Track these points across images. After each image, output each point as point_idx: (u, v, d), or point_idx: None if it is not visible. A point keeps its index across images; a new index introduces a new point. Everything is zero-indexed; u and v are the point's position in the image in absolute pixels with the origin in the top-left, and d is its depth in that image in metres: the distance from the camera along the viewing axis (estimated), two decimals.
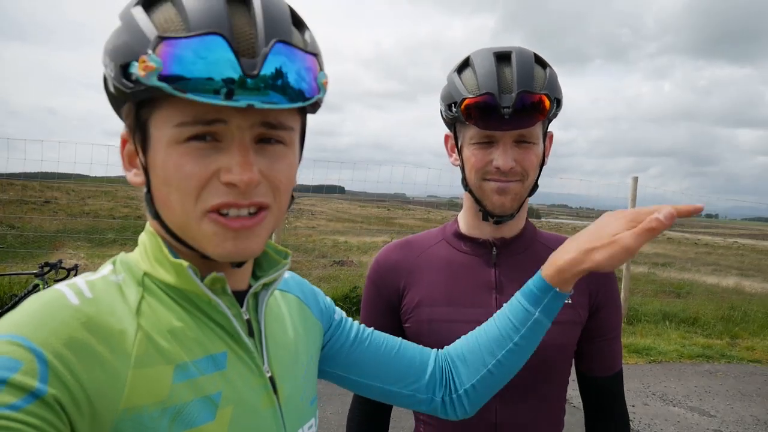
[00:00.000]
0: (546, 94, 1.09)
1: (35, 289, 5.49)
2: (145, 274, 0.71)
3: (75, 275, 5.60)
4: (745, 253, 26.23)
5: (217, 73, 0.60)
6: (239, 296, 0.76)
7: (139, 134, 0.68)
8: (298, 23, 0.71)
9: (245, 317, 0.77)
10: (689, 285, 11.22)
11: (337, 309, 1.04)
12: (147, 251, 0.72)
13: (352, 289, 7.11)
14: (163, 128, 0.65)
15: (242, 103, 0.61)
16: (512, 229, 1.25)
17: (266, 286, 0.80)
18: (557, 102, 1.14)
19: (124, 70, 0.63)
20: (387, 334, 1.03)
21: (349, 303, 6.84)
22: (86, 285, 0.66)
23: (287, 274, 0.98)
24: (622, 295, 7.20)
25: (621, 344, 1.29)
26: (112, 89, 0.67)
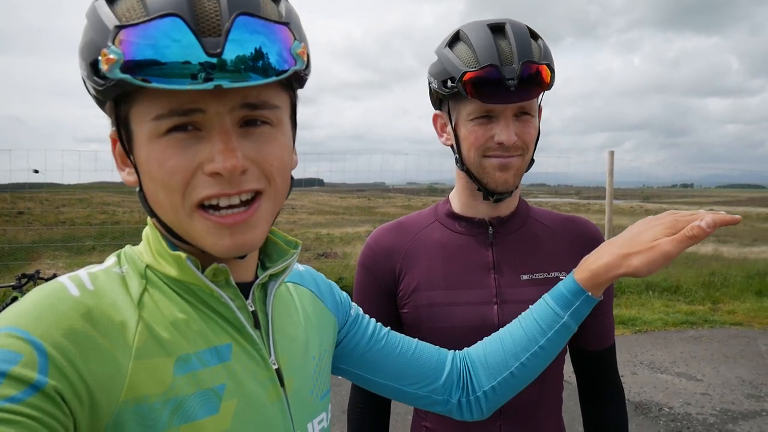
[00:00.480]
0: (546, 64, 1.07)
1: (14, 301, 5.39)
2: (148, 266, 0.70)
3: None
4: None
5: (180, 56, 0.57)
6: (246, 287, 0.75)
7: (124, 131, 0.66)
8: None
9: (251, 309, 0.75)
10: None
11: (354, 305, 1.01)
12: (150, 244, 0.71)
13: (337, 280, 7.07)
14: (142, 123, 0.63)
15: (209, 85, 0.57)
16: (508, 206, 1.23)
17: (274, 276, 0.78)
18: (553, 72, 1.11)
19: (93, 67, 0.61)
20: (403, 335, 1.01)
21: None
22: (88, 277, 0.65)
23: (302, 267, 0.96)
24: None
25: (613, 318, 1.29)
26: (90, 90, 0.65)
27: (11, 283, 6.27)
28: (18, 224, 12.49)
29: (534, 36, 1.11)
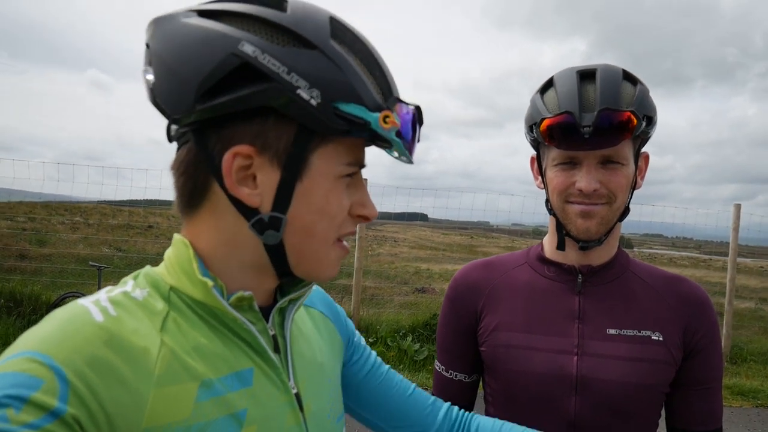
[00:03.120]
0: (632, 111, 1.02)
1: None
2: (171, 288, 0.69)
3: None
4: None
5: None
6: (264, 311, 0.76)
7: (290, 160, 0.67)
8: None
9: (271, 333, 0.76)
10: None
11: (357, 333, 1.01)
12: (174, 265, 0.71)
13: (432, 317, 7.05)
14: (331, 162, 0.69)
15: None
16: (601, 256, 1.18)
17: (292, 301, 0.79)
18: (648, 120, 1.06)
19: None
20: (402, 377, 1.00)
21: (429, 330, 6.78)
22: (110, 301, 0.65)
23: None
24: (723, 332, 6.67)
25: (722, 396, 1.16)
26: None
27: None
28: (147, 237, 13.71)
29: (632, 81, 1.08)
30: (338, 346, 0.93)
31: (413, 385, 1.00)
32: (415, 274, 13.94)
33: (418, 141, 0.73)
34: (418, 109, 0.71)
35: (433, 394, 1.09)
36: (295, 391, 0.76)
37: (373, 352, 1.01)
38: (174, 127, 0.70)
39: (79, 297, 5.60)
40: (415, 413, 0.96)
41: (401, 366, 6.14)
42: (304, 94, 0.63)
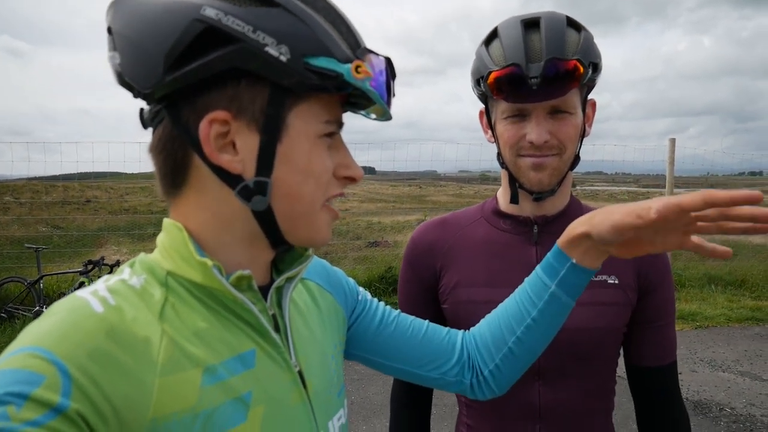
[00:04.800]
0: (578, 59, 1.00)
1: (81, 286, 5.70)
2: (168, 273, 0.69)
3: None
4: None
5: None
6: (263, 291, 0.75)
7: (267, 121, 0.66)
8: None
9: (270, 312, 0.75)
10: (735, 246, 10.86)
11: (361, 290, 1.01)
12: (168, 249, 0.70)
13: (387, 270, 7.12)
14: (309, 121, 0.68)
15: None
16: (555, 205, 1.18)
17: (289, 279, 0.79)
18: (593, 66, 1.05)
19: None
20: (413, 317, 1.01)
21: (385, 283, 6.86)
22: (108, 291, 0.64)
23: None
24: None
25: (675, 332, 1.19)
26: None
27: (79, 269, 6.61)
28: (86, 212, 13.16)
29: (577, 27, 1.06)
30: (337, 317, 0.93)
31: (426, 322, 1.00)
32: (367, 228, 14.01)
33: (394, 96, 0.73)
34: (388, 60, 0.71)
35: None
36: (297, 369, 0.76)
37: (381, 303, 1.01)
38: (146, 108, 0.69)
39: (20, 282, 5.32)
40: (432, 350, 0.97)
41: None
42: (272, 51, 0.62)
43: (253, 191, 0.67)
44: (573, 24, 1.06)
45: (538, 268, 0.92)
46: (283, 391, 0.72)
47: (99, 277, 5.67)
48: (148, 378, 0.60)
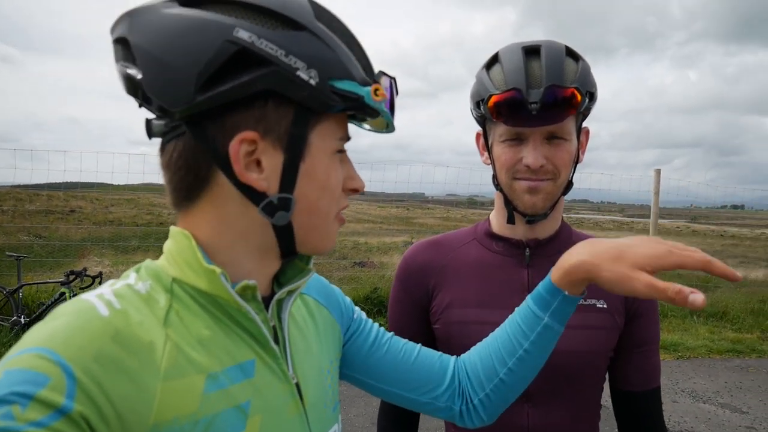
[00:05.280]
0: (576, 88, 1.04)
1: (62, 297, 5.60)
2: (174, 279, 0.69)
3: (100, 283, 5.73)
4: None
5: None
6: (263, 302, 0.76)
7: (291, 141, 0.68)
8: None
9: (271, 323, 0.76)
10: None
11: (357, 309, 1.02)
12: (175, 256, 0.71)
13: (372, 290, 7.11)
14: (327, 138, 0.71)
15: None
16: (546, 229, 1.21)
17: (290, 292, 0.80)
18: (590, 96, 1.08)
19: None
20: (406, 340, 1.01)
21: (370, 304, 6.84)
22: (114, 295, 0.65)
23: None
24: None
25: (659, 358, 1.22)
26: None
27: (60, 279, 6.49)
28: (69, 222, 13.01)
29: (575, 57, 1.09)
30: (334, 333, 0.94)
31: (418, 346, 1.00)
32: (353, 248, 13.99)
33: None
34: (394, 80, 0.76)
35: None
36: (295, 381, 0.77)
37: (375, 325, 1.02)
38: (159, 122, 0.69)
39: (1, 291, 5.15)
40: (423, 375, 0.97)
41: None
42: (303, 74, 0.65)
43: (277, 207, 0.69)
44: (571, 53, 1.10)
45: (528, 300, 0.93)
46: (280, 402, 0.73)
47: (80, 287, 5.61)
48: (152, 382, 0.60)
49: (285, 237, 0.73)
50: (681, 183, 8.77)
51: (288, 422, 0.74)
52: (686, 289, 0.72)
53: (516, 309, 0.95)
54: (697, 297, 0.71)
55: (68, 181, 7.55)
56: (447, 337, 1.19)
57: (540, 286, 0.91)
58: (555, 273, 0.89)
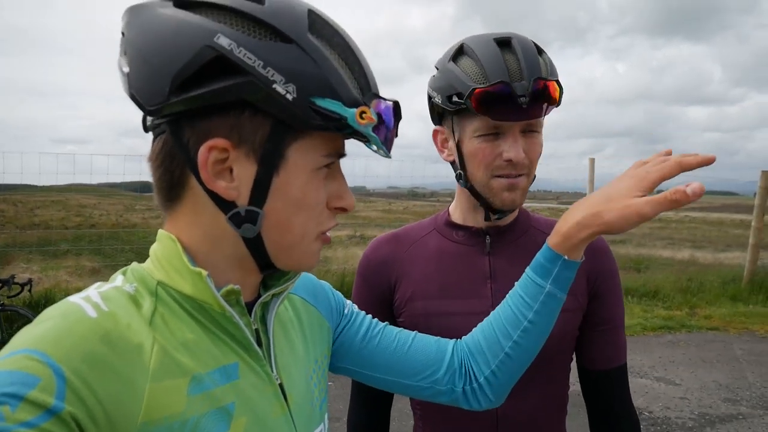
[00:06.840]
0: (556, 81, 1.04)
1: None
2: (159, 283, 0.69)
3: (30, 290, 5.41)
4: (697, 225, 27.29)
5: None
6: (248, 306, 0.76)
7: (266, 154, 0.67)
8: None
9: (254, 327, 0.76)
10: (647, 260, 11.58)
11: (348, 302, 1.01)
12: (161, 260, 0.71)
13: None
14: (307, 155, 0.68)
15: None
16: (507, 217, 1.20)
17: (276, 295, 0.79)
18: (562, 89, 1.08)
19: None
20: (401, 329, 1.00)
21: None
22: (100, 297, 0.64)
23: None
24: None
25: (624, 335, 1.23)
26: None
27: None
28: None
29: (540, 51, 1.08)
30: (322, 331, 0.93)
31: (413, 333, 1.00)
32: None
33: (396, 136, 0.74)
34: (396, 104, 0.72)
35: None
36: (278, 381, 0.77)
37: (368, 316, 1.01)
38: (150, 118, 0.70)
39: None
40: (420, 360, 0.96)
41: None
42: (279, 88, 0.63)
43: (244, 219, 0.68)
44: (537, 48, 1.09)
45: (528, 271, 0.93)
46: (265, 404, 0.73)
47: (8, 296, 5.28)
48: (140, 383, 0.61)
49: (256, 250, 0.71)
50: (612, 170, 9.17)
51: (273, 423, 0.74)
52: (680, 187, 0.77)
53: (516, 283, 0.95)
54: (693, 185, 0.76)
55: None
56: (413, 329, 1.17)
57: (539, 255, 0.92)
58: (553, 239, 0.90)
